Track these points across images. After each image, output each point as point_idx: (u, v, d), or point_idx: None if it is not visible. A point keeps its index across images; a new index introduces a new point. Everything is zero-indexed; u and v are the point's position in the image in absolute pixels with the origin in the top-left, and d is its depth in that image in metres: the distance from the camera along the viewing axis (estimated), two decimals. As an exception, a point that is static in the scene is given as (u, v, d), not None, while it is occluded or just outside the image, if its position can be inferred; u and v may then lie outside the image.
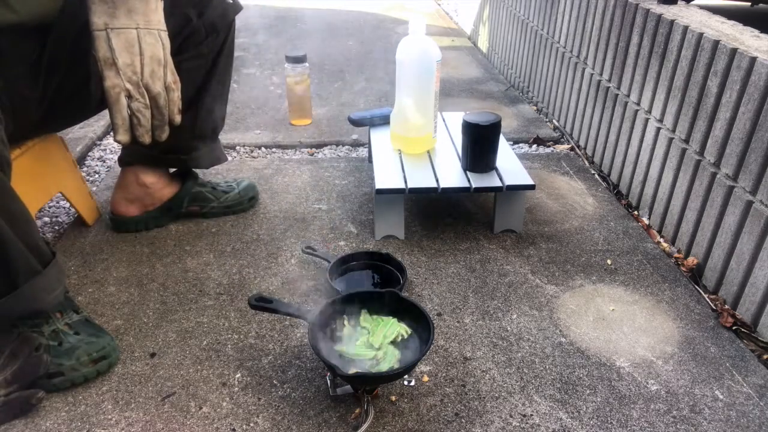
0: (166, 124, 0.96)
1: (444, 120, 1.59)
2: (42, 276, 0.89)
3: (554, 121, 1.99)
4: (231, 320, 1.07)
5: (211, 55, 1.22)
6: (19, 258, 0.85)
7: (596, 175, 1.65)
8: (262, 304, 0.94)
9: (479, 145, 1.32)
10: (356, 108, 2.08)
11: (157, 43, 0.90)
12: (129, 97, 0.89)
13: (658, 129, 1.39)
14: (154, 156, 1.27)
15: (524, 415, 0.89)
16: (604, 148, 1.66)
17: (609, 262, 1.27)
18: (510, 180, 1.29)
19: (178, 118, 0.97)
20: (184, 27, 1.12)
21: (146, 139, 0.94)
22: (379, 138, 1.49)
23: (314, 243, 1.28)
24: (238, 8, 1.24)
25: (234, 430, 0.86)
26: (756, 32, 1.24)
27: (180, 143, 1.26)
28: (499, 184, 1.29)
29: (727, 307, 1.13)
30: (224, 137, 1.37)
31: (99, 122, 1.87)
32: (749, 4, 2.65)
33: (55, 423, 0.86)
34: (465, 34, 3.19)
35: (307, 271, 1.21)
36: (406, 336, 0.92)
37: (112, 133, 0.92)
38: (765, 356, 1.02)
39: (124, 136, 0.91)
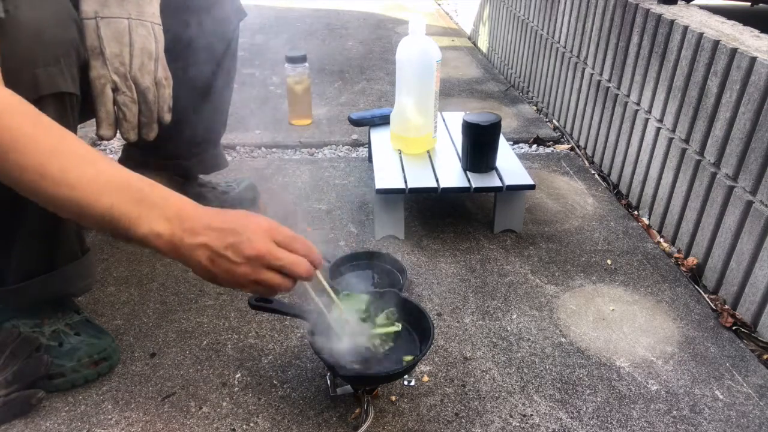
0: (155, 122, 0.93)
1: (444, 120, 1.59)
2: (79, 262, 0.91)
3: (554, 121, 1.99)
4: (231, 320, 1.07)
5: (213, 62, 1.20)
6: (67, 239, 0.88)
7: (596, 175, 1.65)
8: (262, 304, 0.93)
9: (479, 145, 1.32)
10: (356, 108, 2.08)
11: (149, 35, 0.88)
12: (115, 90, 0.86)
13: (658, 129, 1.39)
14: (153, 162, 1.26)
15: (524, 415, 0.89)
16: (604, 148, 1.66)
17: (609, 262, 1.27)
18: (510, 180, 1.29)
19: (167, 117, 0.94)
20: (184, 33, 1.11)
21: (131, 136, 0.91)
22: (379, 138, 1.49)
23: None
24: (241, 15, 1.23)
25: (234, 430, 0.86)
26: (756, 32, 1.24)
27: (181, 149, 1.26)
28: (499, 184, 1.29)
29: (727, 307, 1.13)
30: (224, 137, 1.37)
31: (99, 122, 1.87)
32: (749, 4, 2.65)
33: (55, 423, 0.86)
34: (465, 34, 3.19)
35: (307, 271, 1.21)
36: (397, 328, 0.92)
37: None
38: (765, 356, 1.02)
39: (107, 131, 0.88)
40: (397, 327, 0.91)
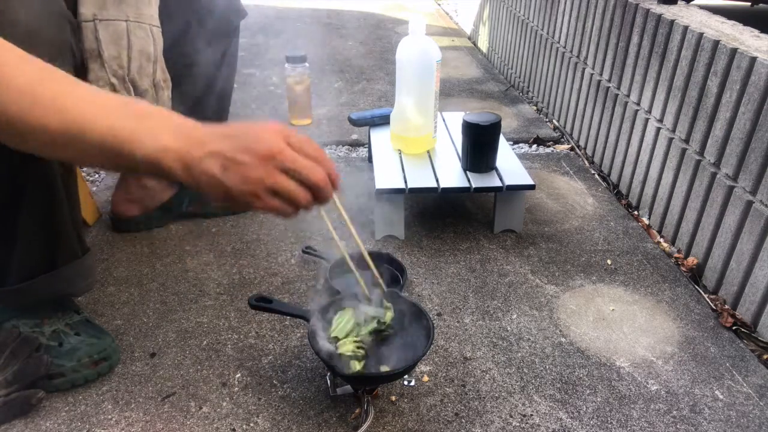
0: None
1: (444, 120, 1.59)
2: (80, 261, 0.91)
3: (554, 121, 1.99)
4: (231, 320, 1.07)
5: (213, 62, 1.20)
6: (68, 239, 0.88)
7: (596, 175, 1.65)
8: (262, 304, 0.94)
9: (479, 145, 1.32)
10: (356, 108, 2.08)
11: (147, 37, 0.88)
12: (114, 92, 0.86)
13: (658, 129, 1.39)
14: None
15: (524, 415, 0.89)
16: (604, 148, 1.66)
17: (609, 262, 1.27)
18: (510, 180, 1.29)
19: None
20: (184, 33, 1.11)
21: None
22: (379, 138, 1.49)
23: (314, 243, 1.28)
24: (242, 14, 1.23)
25: (234, 430, 0.86)
26: (756, 32, 1.24)
27: None
28: (499, 184, 1.29)
29: (727, 307, 1.13)
30: (224, 137, 1.38)
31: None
32: (749, 4, 2.65)
33: (55, 423, 0.86)
34: (465, 34, 3.19)
35: (307, 271, 1.21)
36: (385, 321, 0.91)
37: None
38: (765, 356, 1.02)
39: None
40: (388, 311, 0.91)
